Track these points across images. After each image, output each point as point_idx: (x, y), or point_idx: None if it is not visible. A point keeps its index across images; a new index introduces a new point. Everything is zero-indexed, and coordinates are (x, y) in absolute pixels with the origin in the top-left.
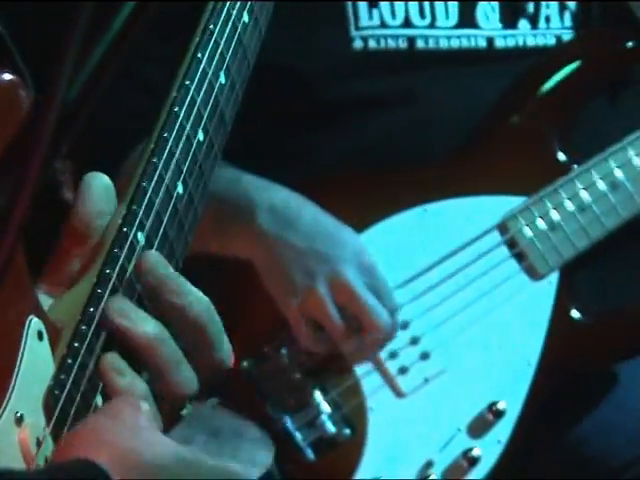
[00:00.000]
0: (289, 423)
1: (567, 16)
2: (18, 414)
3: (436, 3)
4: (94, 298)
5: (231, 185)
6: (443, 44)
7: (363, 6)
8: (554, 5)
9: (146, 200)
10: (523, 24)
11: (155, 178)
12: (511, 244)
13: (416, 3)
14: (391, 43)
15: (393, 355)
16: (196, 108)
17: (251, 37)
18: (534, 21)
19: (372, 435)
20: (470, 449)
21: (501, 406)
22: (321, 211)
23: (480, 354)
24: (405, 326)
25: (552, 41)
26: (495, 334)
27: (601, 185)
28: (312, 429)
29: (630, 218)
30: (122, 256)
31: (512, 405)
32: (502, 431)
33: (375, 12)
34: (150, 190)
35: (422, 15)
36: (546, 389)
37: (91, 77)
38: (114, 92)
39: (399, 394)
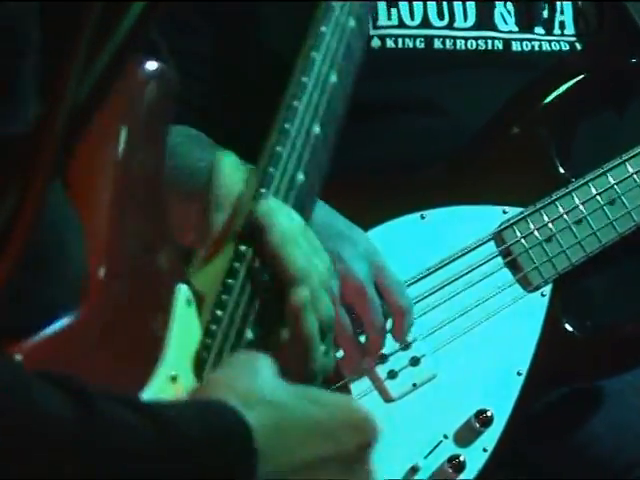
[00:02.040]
0: None
1: (581, 23)
2: (173, 373)
3: (455, 4)
4: (233, 271)
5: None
6: (460, 45)
7: (382, 5)
8: (569, 11)
9: (273, 187)
10: (538, 29)
11: (281, 166)
12: (506, 254)
13: (434, 3)
14: (408, 43)
15: (383, 359)
16: (313, 104)
17: (357, 41)
18: (549, 27)
19: None
20: (456, 456)
21: (489, 414)
22: (333, 211)
23: (470, 362)
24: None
25: (566, 48)
26: (486, 343)
27: (599, 199)
28: None
29: (625, 234)
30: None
31: (500, 414)
32: (488, 439)
33: (394, 11)
34: (277, 177)
35: (440, 16)
36: (534, 399)
37: (100, 78)
38: None
39: (387, 398)
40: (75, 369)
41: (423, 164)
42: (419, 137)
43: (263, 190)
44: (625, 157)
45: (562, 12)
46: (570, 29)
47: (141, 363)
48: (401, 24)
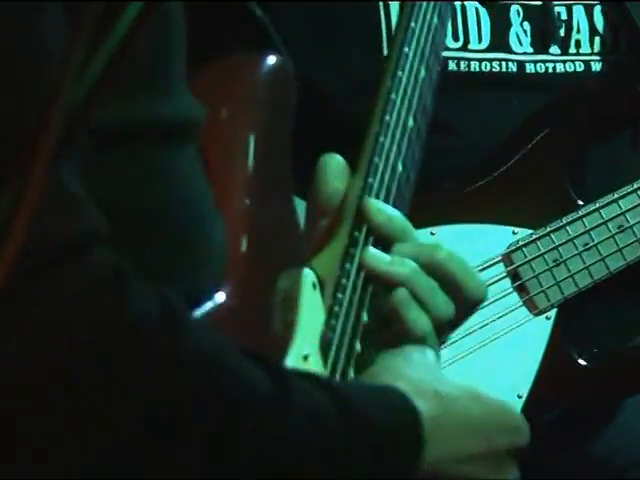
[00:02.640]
0: None
1: (597, 42)
2: (304, 353)
3: (470, 23)
4: (349, 256)
5: None
6: (474, 67)
7: (390, 17)
8: (585, 30)
9: (378, 176)
10: (554, 49)
11: (383, 156)
12: (514, 276)
13: (449, 25)
14: None
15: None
16: (407, 97)
17: (440, 37)
18: (564, 46)
19: None
20: None
21: None
22: None
23: (473, 382)
24: None
25: (581, 68)
26: (489, 364)
27: (609, 226)
28: None
29: (633, 262)
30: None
31: None
32: None
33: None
34: (381, 167)
35: (455, 37)
36: (533, 421)
37: (98, 79)
38: None
39: None
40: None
41: (436, 183)
42: (433, 157)
43: (370, 180)
44: (637, 185)
45: (578, 30)
46: (586, 48)
47: (277, 342)
48: None
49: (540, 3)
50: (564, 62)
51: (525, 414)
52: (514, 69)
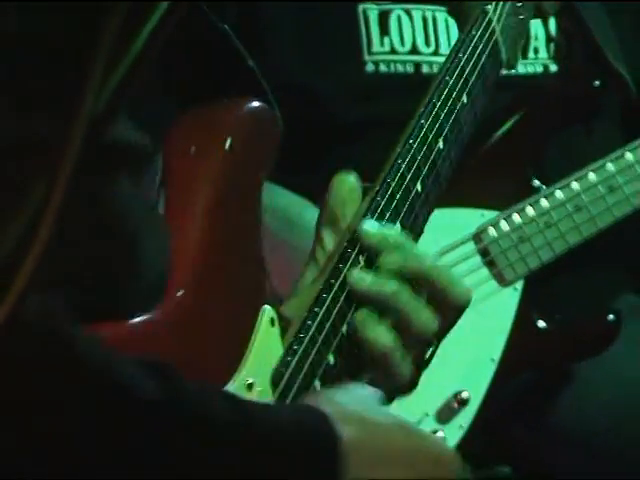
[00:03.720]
0: None
1: (552, 47)
2: (249, 381)
3: (440, 33)
4: (319, 300)
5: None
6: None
7: (375, 33)
8: (541, 38)
9: (383, 204)
10: None
11: (397, 177)
12: (484, 253)
13: (422, 32)
14: (399, 68)
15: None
16: (439, 122)
17: (492, 68)
18: (524, 50)
19: None
20: (435, 431)
21: (465, 395)
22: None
23: (450, 349)
24: None
25: (540, 69)
26: (464, 332)
27: (566, 206)
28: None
29: (590, 237)
30: (344, 269)
31: (475, 395)
32: (464, 418)
33: (386, 39)
34: (392, 186)
35: (427, 43)
36: (505, 383)
37: (117, 90)
38: None
39: None
40: None
41: None
42: None
43: (369, 215)
44: (590, 168)
45: (536, 38)
46: (543, 53)
47: (218, 368)
48: (392, 51)
49: None
50: (524, 65)
51: (497, 376)
52: None
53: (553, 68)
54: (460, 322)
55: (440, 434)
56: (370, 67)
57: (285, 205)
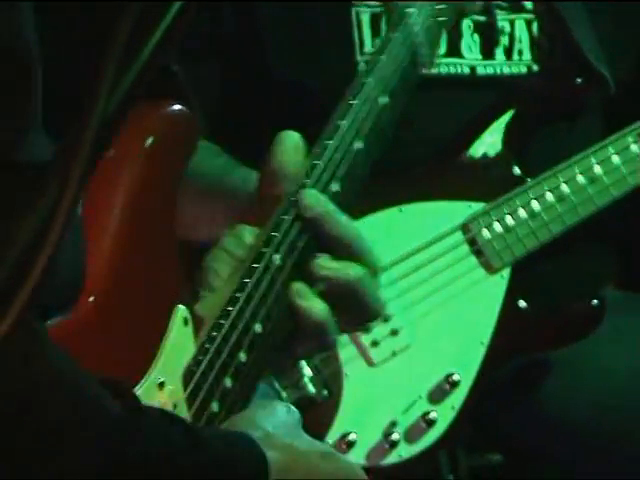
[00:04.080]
0: (276, 384)
1: (536, 50)
2: (160, 380)
3: None
4: (232, 300)
5: (245, 182)
6: (433, 70)
7: (367, 34)
8: (525, 40)
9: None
10: (499, 55)
11: (316, 178)
12: (471, 242)
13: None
14: None
15: (367, 330)
16: (359, 122)
17: (412, 69)
18: (509, 53)
19: (346, 397)
20: (428, 412)
21: (456, 378)
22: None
23: (441, 333)
24: None
25: (524, 70)
26: (455, 317)
27: (550, 197)
28: (295, 389)
29: (572, 225)
30: (259, 270)
31: (466, 377)
32: (456, 399)
33: (377, 39)
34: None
35: None
36: (495, 366)
37: (129, 91)
38: None
39: (370, 364)
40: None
41: (403, 166)
42: (400, 145)
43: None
44: (572, 161)
45: (520, 41)
46: (527, 55)
47: (131, 369)
48: None
49: (486, 18)
50: (509, 65)
51: (487, 359)
52: (467, 71)
53: (536, 69)
54: (450, 307)
55: (433, 415)
56: (362, 67)
57: None
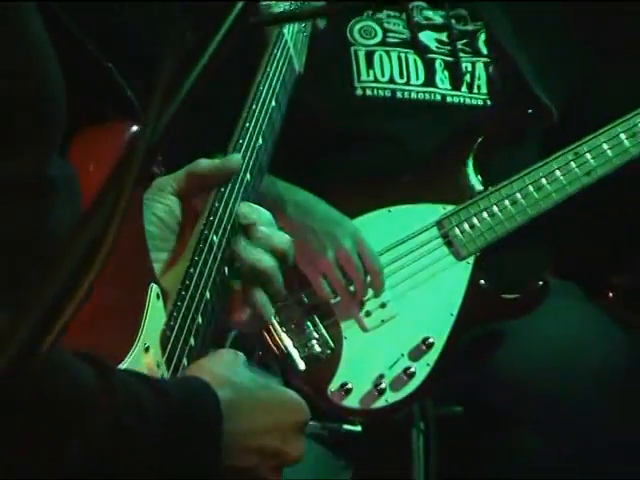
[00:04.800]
0: (289, 344)
1: (491, 86)
2: (146, 345)
3: (410, 68)
4: (187, 275)
5: (269, 187)
6: (414, 96)
7: (363, 66)
8: (483, 78)
9: (229, 187)
10: (464, 89)
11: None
12: (444, 236)
13: (397, 67)
14: (380, 93)
15: (362, 303)
16: (259, 122)
17: (289, 75)
18: (471, 87)
19: (345, 355)
20: (409, 367)
21: (431, 340)
22: (330, 206)
23: (420, 306)
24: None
25: (481, 102)
26: (430, 293)
27: (506, 201)
28: (305, 348)
29: (524, 223)
30: (203, 249)
31: (438, 341)
32: (431, 357)
33: (371, 71)
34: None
35: (401, 76)
36: (462, 332)
37: (177, 110)
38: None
39: (364, 329)
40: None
41: (389, 175)
42: (386, 157)
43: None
44: (523, 173)
45: (479, 78)
46: (484, 89)
47: (121, 336)
48: (375, 80)
49: (453, 59)
50: (470, 98)
51: (455, 326)
52: (439, 98)
53: (491, 102)
54: (427, 286)
55: (413, 369)
56: (359, 92)
57: (303, 199)
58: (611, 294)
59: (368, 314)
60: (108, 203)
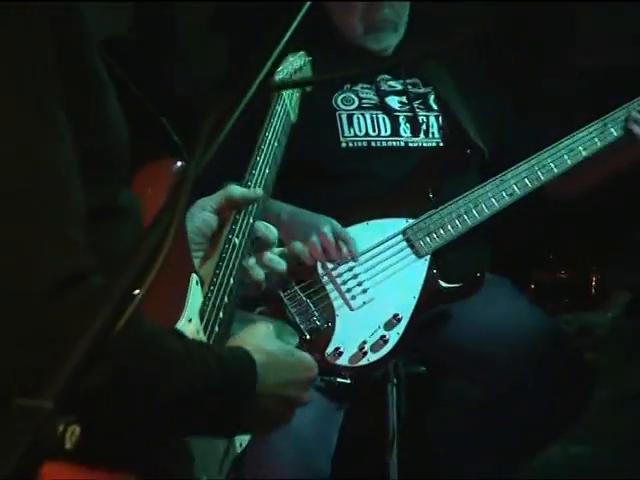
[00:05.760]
0: (297, 319)
1: (442, 133)
2: (189, 318)
3: (380, 124)
4: (217, 267)
5: (268, 204)
6: (384, 144)
7: (345, 125)
8: (435, 126)
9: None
10: (421, 135)
11: (257, 176)
12: (408, 240)
13: (371, 125)
14: (359, 144)
15: (349, 290)
16: (268, 158)
17: (287, 124)
18: (426, 134)
19: (337, 328)
20: (384, 335)
21: (400, 316)
22: (313, 213)
23: (391, 291)
24: (355, 276)
25: (434, 144)
26: (398, 282)
27: (453, 214)
28: (308, 322)
29: (466, 231)
30: (228, 249)
31: (405, 316)
32: (400, 328)
33: (351, 129)
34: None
35: (374, 130)
36: (420, 311)
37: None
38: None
39: (351, 309)
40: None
41: (366, 199)
42: (364, 188)
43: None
44: (464, 195)
45: (432, 127)
46: (436, 135)
47: (173, 311)
48: (355, 135)
49: (412, 115)
50: (426, 142)
51: (416, 306)
52: (403, 144)
53: (442, 144)
54: (396, 276)
55: (387, 337)
56: (343, 144)
57: (291, 208)
58: (532, 286)
59: (353, 298)
60: (165, 218)
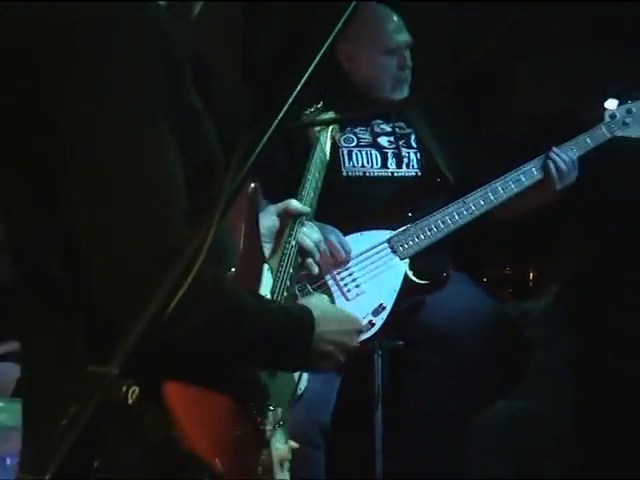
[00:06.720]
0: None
1: (420, 164)
2: (264, 293)
3: (373, 158)
4: (281, 259)
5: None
6: (375, 174)
7: (346, 159)
8: (414, 160)
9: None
10: (404, 167)
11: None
12: (392, 247)
13: (367, 158)
14: (356, 174)
15: (345, 284)
16: (311, 184)
17: (324, 162)
18: (408, 166)
19: None
20: (372, 320)
21: (384, 305)
22: (322, 223)
23: (378, 285)
24: (351, 274)
25: (414, 174)
26: (384, 278)
27: (426, 229)
28: None
29: (436, 241)
30: (287, 247)
31: (388, 305)
32: (384, 315)
33: (350, 162)
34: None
35: (368, 163)
36: (400, 300)
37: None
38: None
39: (346, 299)
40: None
41: (361, 215)
42: (359, 207)
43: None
44: (435, 213)
45: (413, 161)
46: (416, 167)
47: (252, 289)
48: (353, 166)
49: (397, 151)
50: (407, 172)
51: (397, 297)
52: (389, 174)
53: (420, 174)
54: (382, 274)
55: (374, 321)
56: (344, 173)
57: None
58: (484, 280)
59: (349, 290)
60: (207, 223)
